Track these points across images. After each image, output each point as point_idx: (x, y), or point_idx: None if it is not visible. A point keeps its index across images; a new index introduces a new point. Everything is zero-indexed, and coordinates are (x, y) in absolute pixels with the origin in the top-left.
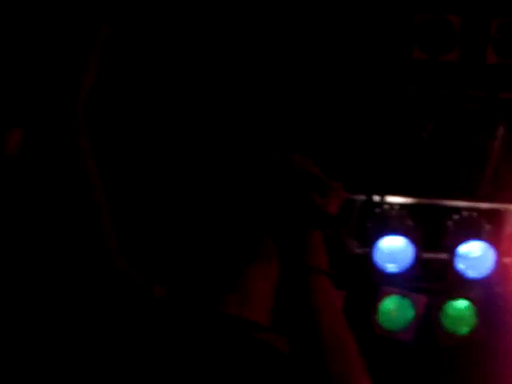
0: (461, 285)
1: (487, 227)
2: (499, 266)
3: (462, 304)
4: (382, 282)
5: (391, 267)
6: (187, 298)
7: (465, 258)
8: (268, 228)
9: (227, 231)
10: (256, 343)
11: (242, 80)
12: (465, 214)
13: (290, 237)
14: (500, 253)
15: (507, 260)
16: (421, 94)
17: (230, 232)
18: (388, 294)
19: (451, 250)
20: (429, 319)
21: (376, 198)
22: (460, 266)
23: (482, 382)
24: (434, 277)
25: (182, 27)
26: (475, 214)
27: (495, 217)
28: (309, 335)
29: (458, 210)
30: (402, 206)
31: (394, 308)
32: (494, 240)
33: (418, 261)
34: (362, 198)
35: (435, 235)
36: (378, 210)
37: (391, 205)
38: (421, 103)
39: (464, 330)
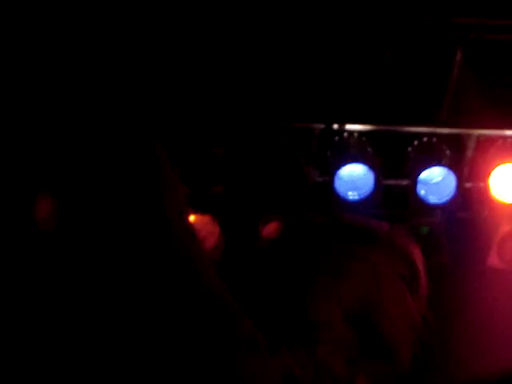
0: (422, 211)
1: (447, 152)
2: (460, 191)
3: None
4: (343, 210)
5: (352, 195)
6: None
7: (426, 183)
8: None
9: None
10: None
11: None
12: (425, 139)
13: None
14: (461, 178)
15: (468, 185)
16: (378, 21)
17: None
18: None
19: (412, 176)
20: None
21: (335, 127)
22: (421, 191)
23: (441, 302)
24: (395, 203)
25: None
26: (435, 139)
27: (455, 142)
28: None
29: (417, 136)
30: (361, 133)
31: None
32: (454, 165)
33: (379, 188)
34: (321, 126)
35: (396, 162)
36: (337, 139)
37: (350, 132)
38: (378, 30)
39: None
